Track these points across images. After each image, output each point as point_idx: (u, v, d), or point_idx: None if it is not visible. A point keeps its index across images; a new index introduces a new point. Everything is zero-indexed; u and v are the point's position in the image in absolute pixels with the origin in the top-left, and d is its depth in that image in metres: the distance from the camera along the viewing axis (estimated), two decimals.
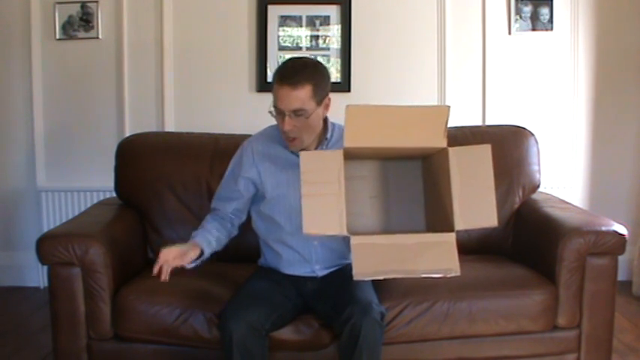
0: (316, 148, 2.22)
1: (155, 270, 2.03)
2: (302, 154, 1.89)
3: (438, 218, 1.98)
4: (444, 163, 1.89)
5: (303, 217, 1.83)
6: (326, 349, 2.18)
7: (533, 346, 2.30)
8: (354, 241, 1.85)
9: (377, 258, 1.86)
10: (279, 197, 2.23)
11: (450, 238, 1.86)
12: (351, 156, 1.94)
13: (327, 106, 2.18)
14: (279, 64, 3.51)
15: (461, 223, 1.86)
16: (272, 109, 2.13)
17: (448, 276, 1.84)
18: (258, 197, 2.30)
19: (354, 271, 1.82)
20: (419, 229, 2.01)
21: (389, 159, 2.07)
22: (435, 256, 1.86)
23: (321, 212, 1.85)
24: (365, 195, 2.08)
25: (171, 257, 2.04)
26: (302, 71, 2.08)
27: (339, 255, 2.26)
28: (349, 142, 1.87)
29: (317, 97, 2.10)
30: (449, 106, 1.88)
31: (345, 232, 1.84)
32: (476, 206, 1.87)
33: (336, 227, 1.85)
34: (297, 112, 2.07)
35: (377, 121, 1.88)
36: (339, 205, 1.84)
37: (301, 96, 2.06)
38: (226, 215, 2.30)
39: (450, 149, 1.88)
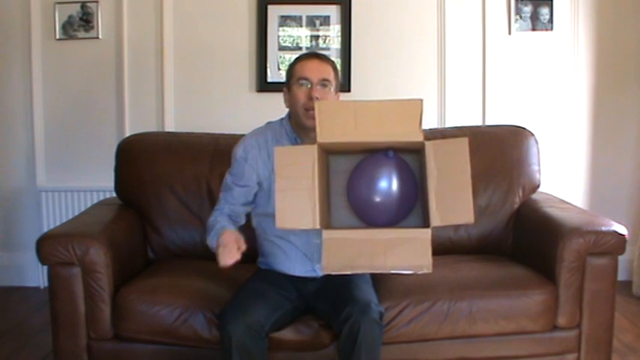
0: None
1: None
2: (277, 149, 1.90)
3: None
4: (421, 157, 1.86)
5: (276, 211, 1.84)
6: (326, 349, 2.18)
7: (533, 346, 2.30)
8: (326, 235, 1.83)
9: (347, 252, 1.83)
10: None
11: (425, 234, 1.81)
12: (335, 151, 1.93)
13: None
14: (280, 63, 3.58)
15: (437, 219, 1.80)
16: (286, 87, 2.23)
17: (419, 273, 1.80)
18: (260, 193, 2.28)
19: (322, 265, 1.82)
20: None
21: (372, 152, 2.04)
22: (407, 252, 1.81)
23: (294, 207, 1.84)
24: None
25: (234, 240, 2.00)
26: (325, 56, 2.28)
27: None
28: (321, 138, 1.85)
29: (336, 82, 2.23)
30: (422, 99, 1.85)
31: (317, 227, 1.83)
32: (452, 202, 1.81)
33: (309, 222, 1.84)
34: (323, 82, 2.18)
35: (349, 116, 1.86)
36: (312, 200, 1.83)
37: (328, 69, 2.21)
38: (235, 208, 2.26)
39: (427, 143, 1.84)
